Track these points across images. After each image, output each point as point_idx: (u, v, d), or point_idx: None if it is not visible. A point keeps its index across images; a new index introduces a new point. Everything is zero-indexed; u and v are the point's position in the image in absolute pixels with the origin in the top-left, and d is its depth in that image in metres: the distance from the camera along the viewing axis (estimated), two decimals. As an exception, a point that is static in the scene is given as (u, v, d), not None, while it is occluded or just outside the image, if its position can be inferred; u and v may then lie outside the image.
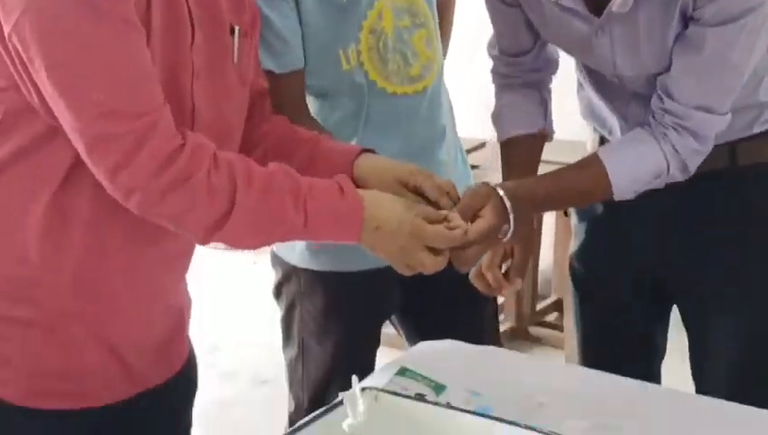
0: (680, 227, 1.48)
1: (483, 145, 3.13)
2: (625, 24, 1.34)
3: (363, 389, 1.17)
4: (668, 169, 1.36)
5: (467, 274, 1.43)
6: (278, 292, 1.68)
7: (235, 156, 1.14)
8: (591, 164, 1.37)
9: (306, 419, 1.15)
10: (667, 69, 1.34)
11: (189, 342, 1.36)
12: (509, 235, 1.31)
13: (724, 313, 1.51)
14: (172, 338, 1.30)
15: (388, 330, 1.74)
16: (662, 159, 1.35)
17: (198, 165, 1.08)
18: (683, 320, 1.59)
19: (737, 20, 1.27)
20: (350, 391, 1.09)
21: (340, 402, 1.12)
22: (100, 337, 1.19)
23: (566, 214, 2.57)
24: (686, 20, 1.31)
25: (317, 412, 1.15)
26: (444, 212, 1.22)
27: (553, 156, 2.96)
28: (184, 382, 1.34)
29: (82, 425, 1.22)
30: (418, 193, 1.26)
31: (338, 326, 1.60)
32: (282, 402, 1.75)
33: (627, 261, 1.56)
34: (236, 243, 1.15)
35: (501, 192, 1.29)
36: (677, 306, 1.60)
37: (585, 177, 1.38)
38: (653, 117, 1.36)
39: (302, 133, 1.35)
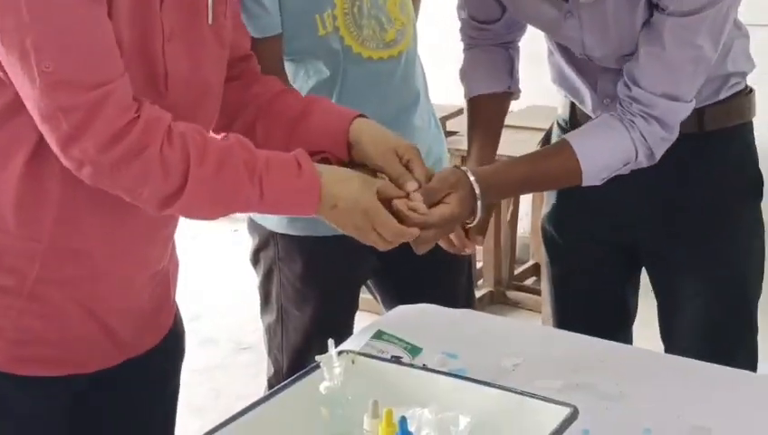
0: (648, 190, 1.50)
1: (461, 111, 3.14)
2: (593, 10, 1.35)
3: (340, 352, 1.19)
4: (636, 156, 1.37)
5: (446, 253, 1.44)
6: (256, 258, 1.69)
7: (192, 129, 1.12)
8: (563, 151, 1.38)
9: (284, 382, 1.17)
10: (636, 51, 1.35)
11: (176, 307, 1.37)
12: (475, 221, 1.33)
13: (691, 273, 1.54)
14: (159, 304, 1.30)
15: (366, 295, 1.76)
16: (631, 147, 1.36)
17: (152, 139, 1.07)
18: (651, 281, 1.62)
19: (700, 11, 1.28)
20: (327, 354, 1.11)
21: (318, 366, 1.14)
22: (83, 305, 1.19)
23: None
24: (652, 7, 1.32)
25: (295, 376, 1.17)
26: (404, 193, 1.22)
27: (529, 122, 2.99)
28: (171, 348, 1.35)
29: (68, 392, 1.23)
30: (407, 169, 1.26)
31: (316, 291, 1.62)
32: (263, 368, 1.76)
33: (596, 223, 1.58)
34: (192, 215, 1.15)
35: (472, 178, 1.29)
36: (646, 268, 1.63)
37: (557, 164, 1.39)
38: (620, 104, 1.37)
39: (296, 93, 1.35)
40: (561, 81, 1.57)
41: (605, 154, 1.37)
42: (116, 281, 1.21)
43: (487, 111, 1.54)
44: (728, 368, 1.28)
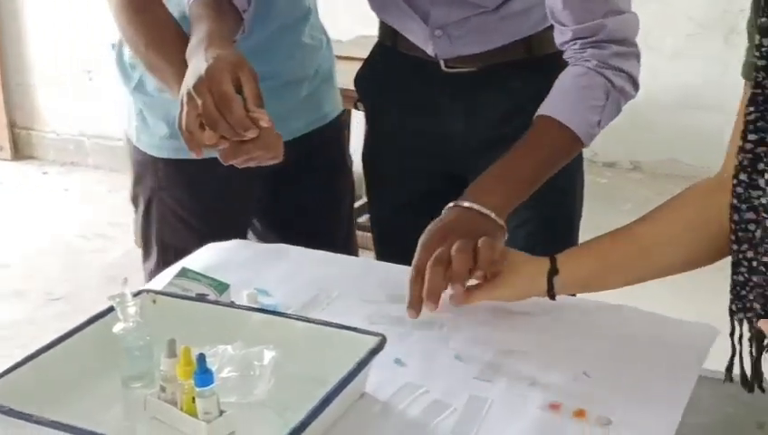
0: (478, 120, 1.49)
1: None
2: None
3: (139, 292, 1.13)
4: (612, 84, 1.32)
5: (329, 180, 1.35)
6: (135, 192, 1.57)
7: None
8: (550, 129, 1.30)
9: (77, 325, 1.09)
10: None
11: None
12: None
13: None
14: None
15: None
16: (601, 79, 1.31)
17: None
18: None
19: None
20: (119, 293, 1.04)
21: (113, 307, 1.06)
22: None
23: (356, 107, 2.56)
24: None
25: (88, 318, 1.09)
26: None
27: (358, 53, 2.92)
28: None
29: None
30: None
31: (201, 220, 1.53)
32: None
33: (421, 155, 1.56)
34: None
35: (501, 223, 1.24)
36: None
37: (554, 145, 1.31)
38: (564, 50, 1.34)
39: None
40: (382, 8, 1.51)
41: (584, 104, 1.31)
42: None
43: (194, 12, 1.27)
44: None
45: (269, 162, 1.17)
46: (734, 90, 1.14)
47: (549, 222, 1.55)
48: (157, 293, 1.14)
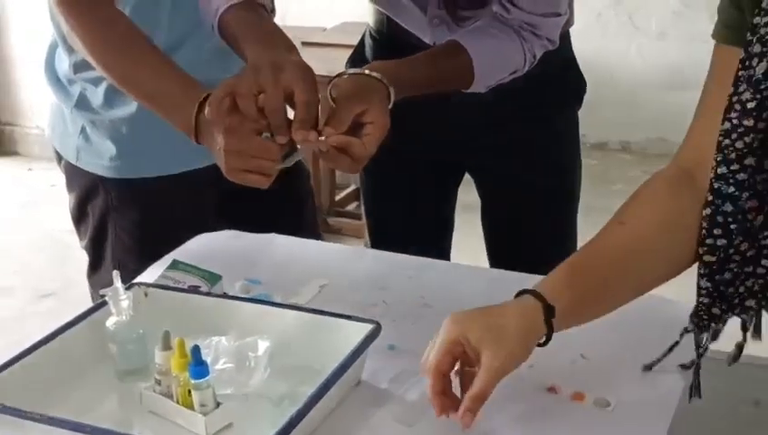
0: (472, 106, 1.47)
1: None
2: None
3: (130, 285, 1.12)
4: (524, 66, 1.34)
5: (286, 175, 1.35)
6: (81, 212, 1.49)
7: None
8: (458, 53, 1.30)
9: (70, 320, 1.08)
10: None
11: None
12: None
13: (520, 185, 1.54)
14: None
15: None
16: (521, 57, 1.33)
17: None
18: (480, 196, 1.62)
19: None
20: (112, 287, 1.03)
21: (105, 302, 1.05)
22: None
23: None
24: None
25: (80, 313, 1.08)
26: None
27: (343, 39, 2.93)
28: None
29: None
30: None
31: (158, 237, 1.45)
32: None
33: (416, 141, 1.54)
34: None
35: (387, 84, 1.17)
36: (475, 183, 1.62)
37: (452, 66, 1.31)
38: (501, 17, 1.33)
39: None
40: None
41: (497, 60, 1.32)
42: None
43: (244, 22, 1.23)
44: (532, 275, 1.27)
45: (259, 185, 1.12)
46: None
47: (550, 197, 1.55)
48: (149, 286, 1.13)
